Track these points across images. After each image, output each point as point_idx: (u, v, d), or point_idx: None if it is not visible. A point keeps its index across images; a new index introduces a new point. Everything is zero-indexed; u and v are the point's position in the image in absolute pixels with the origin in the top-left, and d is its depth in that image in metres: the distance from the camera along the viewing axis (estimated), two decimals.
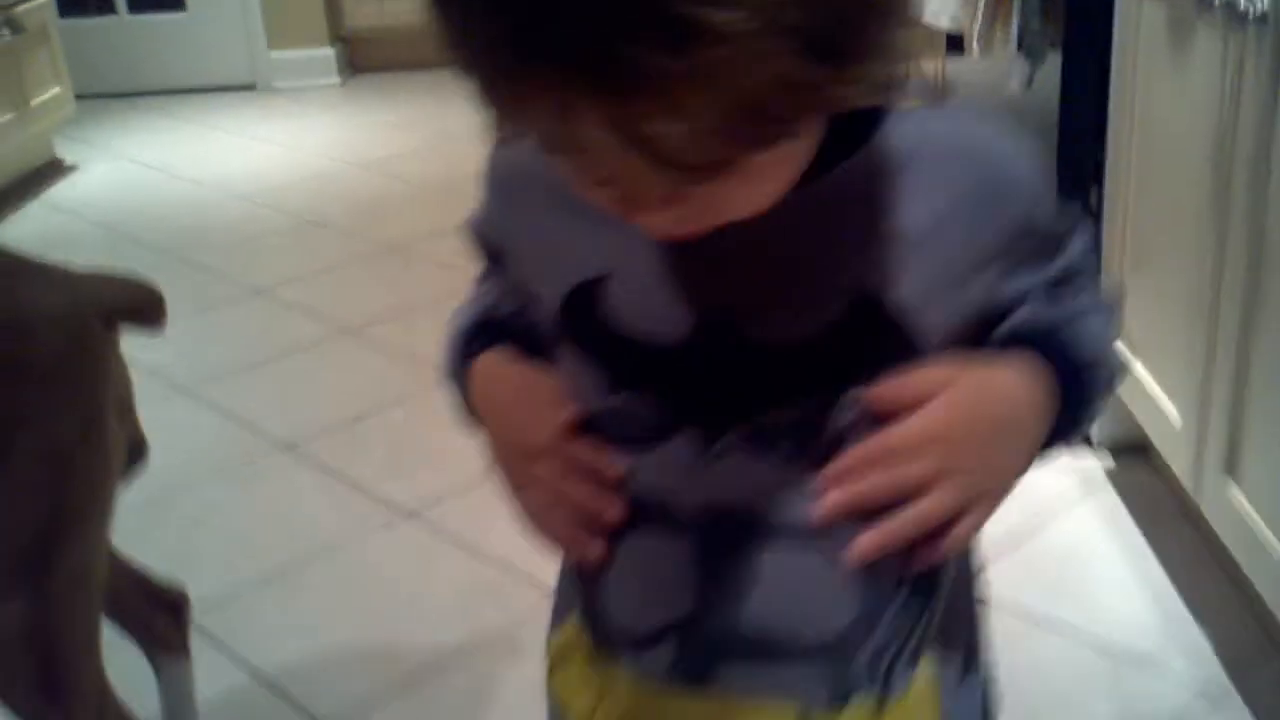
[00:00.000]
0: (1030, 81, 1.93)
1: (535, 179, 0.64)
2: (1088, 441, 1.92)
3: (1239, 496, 1.42)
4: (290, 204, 3.31)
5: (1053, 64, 1.86)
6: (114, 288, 1.22)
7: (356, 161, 3.60)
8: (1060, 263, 0.66)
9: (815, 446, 0.62)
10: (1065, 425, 0.65)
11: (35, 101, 3.45)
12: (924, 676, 0.68)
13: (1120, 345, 1.81)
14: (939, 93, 0.63)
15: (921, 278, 0.61)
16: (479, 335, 0.73)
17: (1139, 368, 1.71)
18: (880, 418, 0.62)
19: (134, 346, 1.20)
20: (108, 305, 1.18)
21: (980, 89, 2.36)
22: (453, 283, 2.95)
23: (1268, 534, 1.35)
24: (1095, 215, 1.81)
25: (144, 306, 1.22)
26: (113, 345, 1.18)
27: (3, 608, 1.07)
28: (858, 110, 0.57)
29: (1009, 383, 0.64)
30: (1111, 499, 1.82)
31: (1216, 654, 1.50)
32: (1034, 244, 0.64)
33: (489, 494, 1.81)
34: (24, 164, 3.49)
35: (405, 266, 2.84)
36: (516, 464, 0.70)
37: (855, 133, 0.60)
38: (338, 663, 1.60)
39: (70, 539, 1.09)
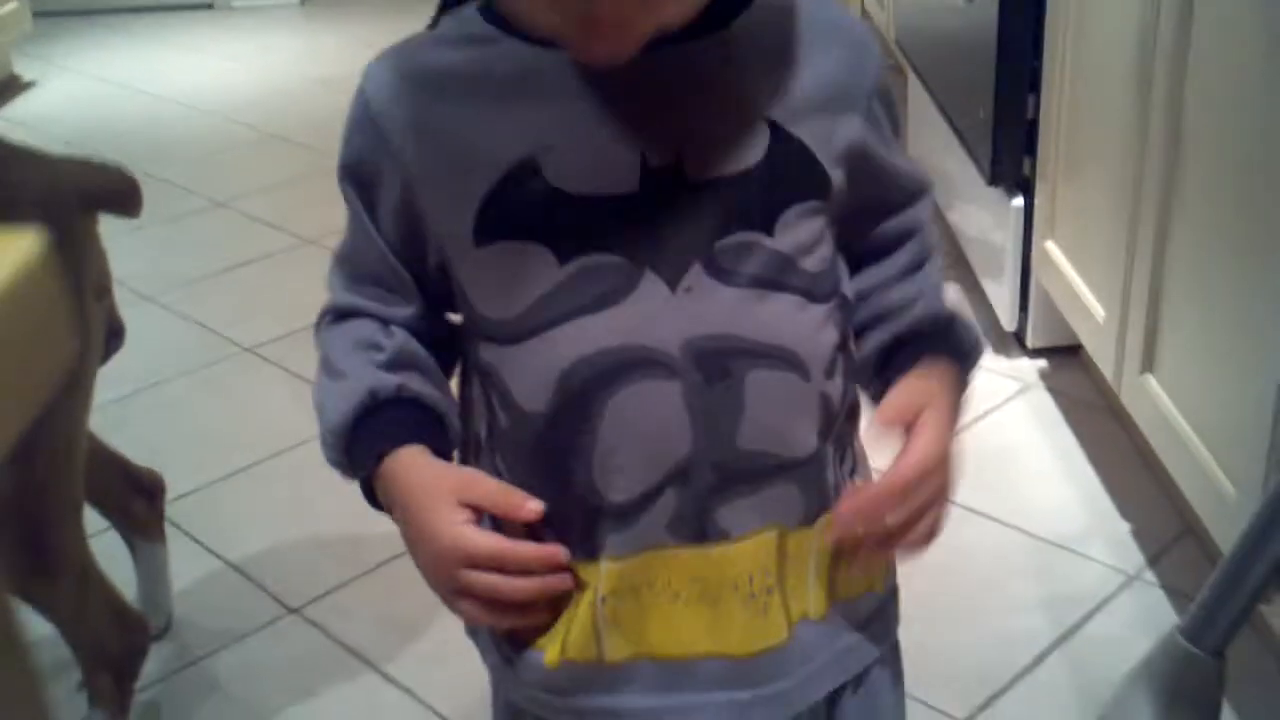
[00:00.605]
0: None
1: (441, 82, 0.69)
2: (1022, 346, 2.01)
3: (1157, 390, 1.51)
4: (251, 120, 3.33)
5: None
6: (93, 173, 1.25)
7: (317, 78, 3.62)
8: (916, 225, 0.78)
9: (768, 267, 0.69)
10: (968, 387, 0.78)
11: None
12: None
13: (1053, 247, 1.87)
14: None
15: (814, 107, 0.70)
16: (377, 421, 0.72)
17: (1070, 270, 1.79)
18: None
19: None
20: (86, 189, 1.21)
21: (928, 9, 2.41)
22: None
23: (1183, 425, 1.44)
24: (1032, 124, 1.88)
25: (121, 192, 1.25)
26: (91, 228, 1.22)
27: None
28: None
29: (952, 395, 0.74)
30: (1043, 398, 1.91)
31: (1135, 540, 1.60)
32: (885, 110, 0.74)
33: None
34: None
35: None
36: (435, 578, 0.71)
37: None
38: (304, 552, 1.67)
39: (52, 417, 1.14)
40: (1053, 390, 1.93)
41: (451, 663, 1.42)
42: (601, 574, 0.71)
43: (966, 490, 1.71)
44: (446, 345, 0.76)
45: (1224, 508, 1.32)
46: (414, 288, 0.75)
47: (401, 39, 0.73)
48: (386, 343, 0.74)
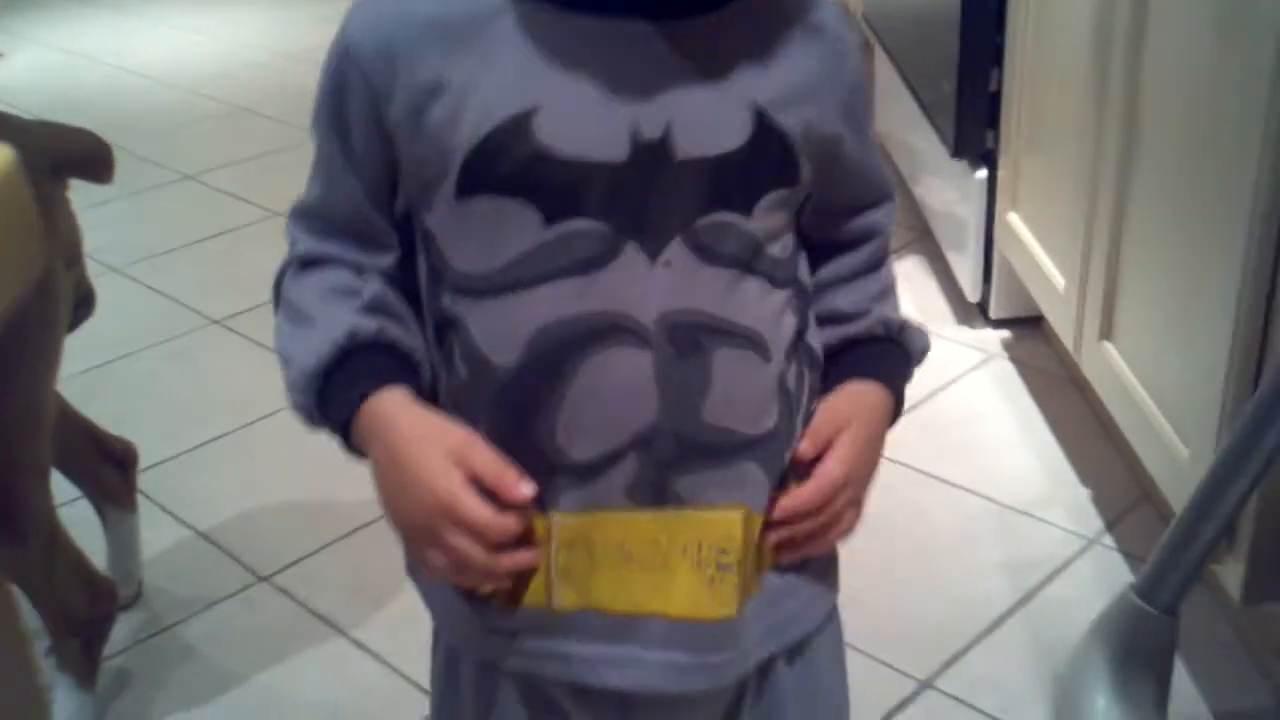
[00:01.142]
0: None
1: (442, 28, 0.68)
2: (985, 317, 2.03)
3: (1115, 357, 1.54)
4: (219, 93, 3.31)
5: None
6: (63, 137, 1.24)
7: (285, 52, 3.60)
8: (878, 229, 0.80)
9: (743, 249, 0.71)
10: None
11: None
12: None
13: (1016, 219, 1.89)
14: None
15: (795, 99, 0.71)
16: (354, 364, 0.71)
17: (1031, 241, 1.81)
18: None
19: None
20: (58, 153, 1.20)
21: None
22: None
23: (1140, 392, 1.46)
24: (995, 97, 1.90)
25: (92, 157, 1.25)
26: (61, 194, 1.22)
27: None
28: None
29: (878, 405, 0.78)
30: (1006, 367, 1.94)
31: (1095, 507, 1.63)
32: (862, 111, 0.77)
33: None
34: None
35: None
36: (411, 527, 0.71)
37: None
38: (274, 520, 1.68)
39: (19, 378, 1.14)
40: (1015, 360, 1.96)
41: (420, 629, 1.42)
42: (554, 526, 0.72)
43: (930, 457, 1.75)
44: (415, 296, 0.76)
45: (1179, 471, 1.35)
46: (388, 236, 0.75)
47: None
48: (363, 288, 0.73)
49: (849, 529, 0.78)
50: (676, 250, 0.69)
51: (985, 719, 1.32)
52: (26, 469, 1.15)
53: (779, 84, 0.70)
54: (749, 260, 0.71)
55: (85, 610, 1.29)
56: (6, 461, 1.14)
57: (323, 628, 1.49)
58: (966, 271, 2.01)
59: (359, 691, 1.39)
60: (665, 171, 0.68)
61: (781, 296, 0.74)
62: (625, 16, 0.67)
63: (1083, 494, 1.65)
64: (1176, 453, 1.36)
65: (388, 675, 1.41)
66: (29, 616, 1.26)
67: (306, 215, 0.76)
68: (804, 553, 0.77)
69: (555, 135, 0.67)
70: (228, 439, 1.86)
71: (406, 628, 1.46)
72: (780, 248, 0.73)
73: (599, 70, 0.67)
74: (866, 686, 1.34)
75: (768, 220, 0.72)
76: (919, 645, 1.41)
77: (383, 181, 0.73)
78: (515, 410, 0.71)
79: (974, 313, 2.05)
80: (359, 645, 1.46)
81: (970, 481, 1.68)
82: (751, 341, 0.71)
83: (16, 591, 1.22)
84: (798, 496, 0.75)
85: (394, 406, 0.71)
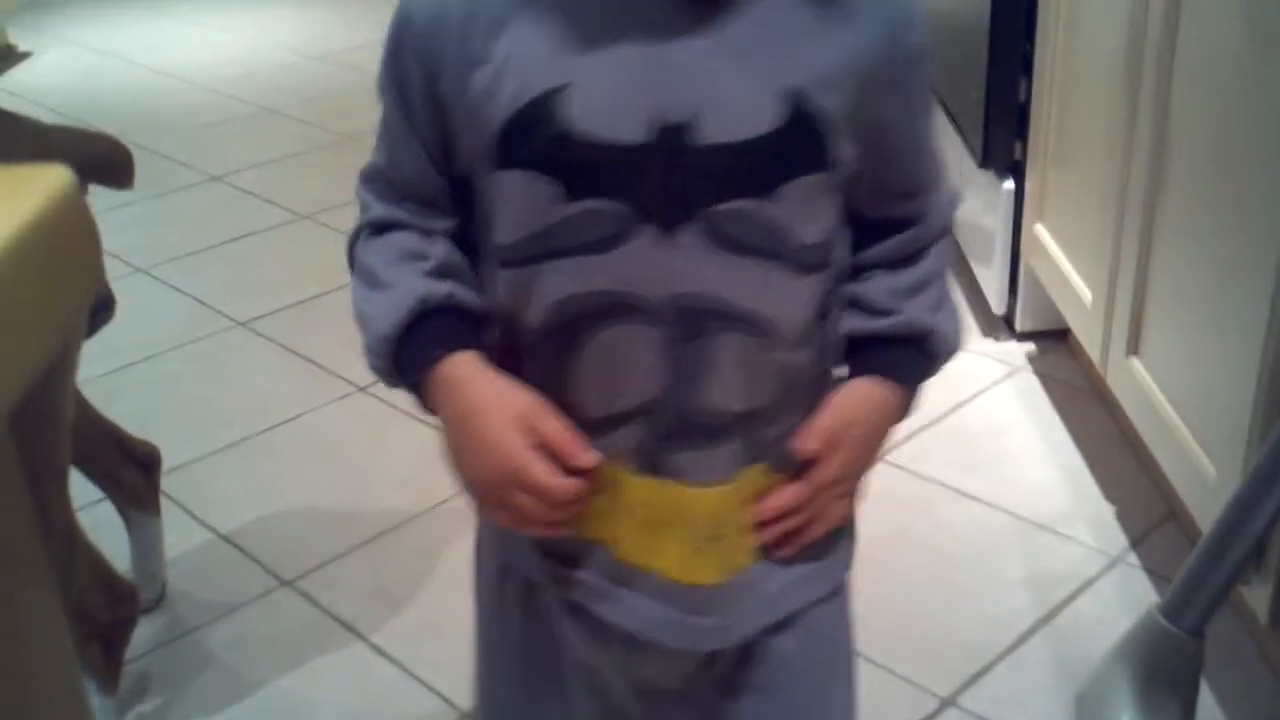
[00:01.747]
0: None
1: (488, 3, 0.70)
2: (1011, 330, 2.02)
3: (1142, 373, 1.53)
4: (247, 94, 3.33)
5: None
6: (83, 142, 1.25)
7: (313, 54, 3.61)
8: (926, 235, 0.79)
9: (759, 236, 0.71)
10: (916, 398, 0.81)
11: None
12: None
13: (1043, 231, 1.88)
14: None
15: (844, 78, 0.70)
16: (428, 327, 0.74)
17: (1058, 254, 1.80)
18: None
19: None
20: (75, 158, 1.21)
21: None
22: None
23: (1167, 408, 1.45)
24: (1024, 107, 1.89)
25: (113, 162, 1.25)
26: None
27: None
28: None
29: (887, 405, 0.78)
30: (1030, 381, 1.93)
31: (1120, 523, 1.61)
32: (919, 91, 0.75)
33: None
34: None
35: (360, 156, 2.85)
36: (479, 482, 0.76)
37: None
38: (297, 524, 1.69)
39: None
40: (1040, 373, 1.94)
41: (443, 636, 1.44)
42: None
43: (953, 470, 1.74)
44: (477, 255, 0.78)
45: (1206, 490, 1.34)
46: (450, 199, 0.77)
47: None
48: (431, 251, 0.76)
49: (836, 522, 0.80)
50: (693, 235, 0.69)
51: None
52: (45, 473, 1.15)
53: (821, 64, 0.70)
54: (772, 247, 0.71)
55: (105, 613, 1.30)
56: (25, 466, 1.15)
57: (344, 633, 1.49)
58: (992, 283, 2.00)
59: (379, 698, 1.40)
60: (686, 156, 0.68)
61: (807, 283, 0.74)
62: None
63: (1107, 510, 1.64)
64: (1203, 471, 1.35)
65: (408, 681, 1.41)
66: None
67: (375, 179, 0.79)
68: (791, 546, 0.78)
69: (582, 114, 0.68)
70: (251, 442, 1.86)
71: (427, 634, 1.46)
72: (814, 232, 0.73)
73: (631, 50, 0.68)
74: (887, 702, 1.34)
75: (797, 205, 0.71)
76: (940, 661, 1.40)
77: (441, 147, 0.75)
78: (539, 368, 0.74)
79: (999, 325, 2.04)
80: (379, 651, 1.46)
81: (994, 496, 1.67)
82: (760, 328, 0.73)
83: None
84: (781, 496, 0.76)
85: (464, 371, 0.74)
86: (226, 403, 1.97)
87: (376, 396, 1.92)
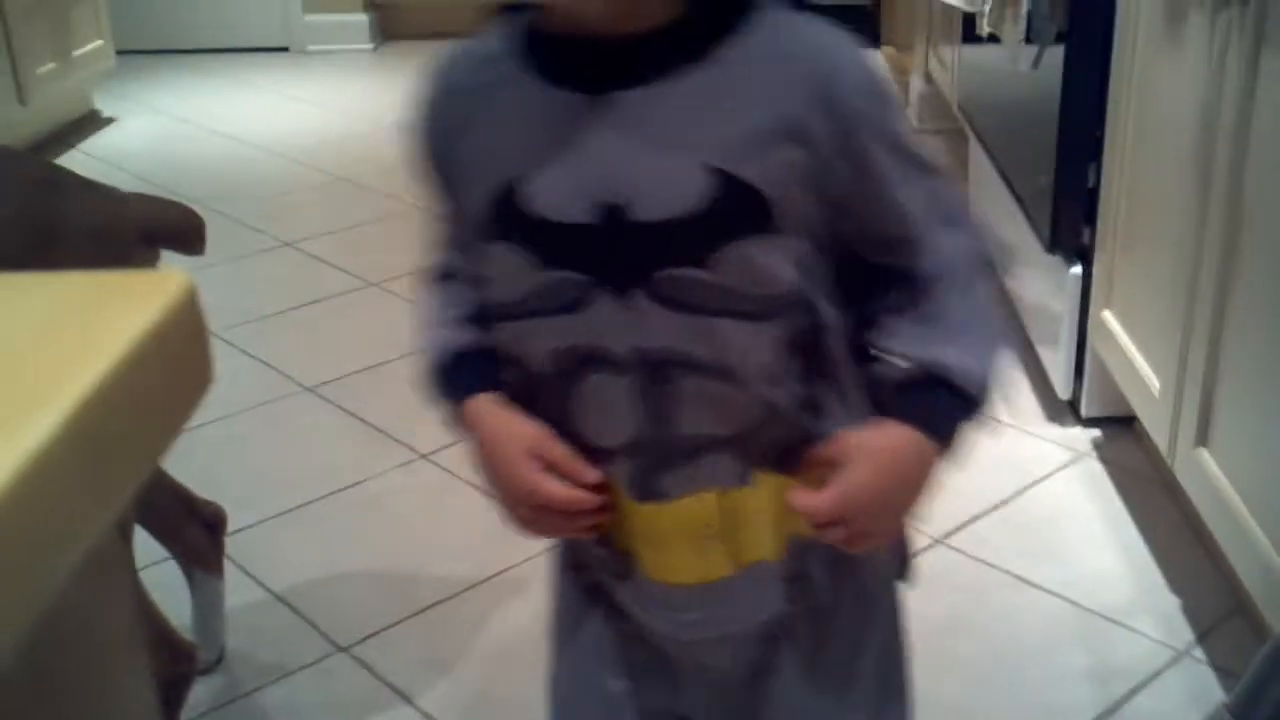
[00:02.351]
0: (1038, 64, 1.99)
1: (466, 99, 0.81)
2: (1077, 415, 2.00)
3: (1211, 464, 1.50)
4: (321, 162, 3.40)
5: (1061, 45, 1.93)
6: (156, 208, 1.28)
7: (387, 123, 3.69)
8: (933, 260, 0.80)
9: (703, 296, 0.77)
10: (954, 441, 0.82)
11: (77, 53, 3.54)
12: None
13: (1110, 317, 1.86)
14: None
15: (765, 142, 0.75)
16: (461, 367, 0.87)
17: (1126, 341, 1.79)
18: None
19: None
20: (148, 224, 1.24)
21: (993, 75, 2.43)
22: None
23: (1236, 501, 1.43)
24: (1093, 193, 1.89)
25: (184, 229, 1.29)
26: (150, 263, 1.25)
27: None
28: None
29: (901, 448, 0.80)
30: (1095, 467, 1.90)
31: (1186, 617, 1.58)
32: (864, 133, 0.76)
33: None
34: (64, 114, 3.58)
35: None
36: (505, 502, 0.86)
37: (720, 21, 0.76)
38: (355, 590, 1.70)
39: None
40: (1105, 460, 1.92)
41: (495, 706, 1.43)
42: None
43: (1016, 558, 1.72)
44: None
45: (1275, 584, 1.31)
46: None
47: (462, 43, 0.84)
48: (468, 300, 0.86)
49: (862, 549, 0.83)
50: (640, 298, 0.77)
51: None
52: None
53: (735, 137, 0.75)
54: (713, 304, 0.77)
55: (165, 672, 1.31)
56: None
57: (398, 701, 1.49)
58: (1058, 368, 1.99)
59: None
60: (625, 232, 0.76)
61: (765, 329, 0.79)
62: (590, 88, 0.76)
63: (1173, 603, 1.61)
64: (1272, 565, 1.32)
65: None
66: None
67: (437, 229, 0.88)
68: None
69: (539, 200, 0.77)
70: (313, 506, 1.88)
71: (480, 705, 1.46)
72: (766, 284, 0.78)
73: (568, 141, 0.77)
74: None
75: (737, 265, 0.76)
76: None
77: (458, 220, 0.85)
78: (543, 405, 0.84)
79: (1065, 410, 2.02)
80: None
81: (1057, 584, 1.64)
82: (721, 373, 0.79)
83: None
84: (811, 499, 0.80)
85: (482, 409, 0.85)
86: (291, 466, 1.99)
87: (438, 464, 1.94)
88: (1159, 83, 1.68)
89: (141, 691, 0.48)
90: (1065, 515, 1.79)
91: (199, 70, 4.29)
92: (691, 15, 0.76)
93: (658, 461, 0.82)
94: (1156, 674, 1.49)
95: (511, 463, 0.83)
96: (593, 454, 0.83)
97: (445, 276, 0.88)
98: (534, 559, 1.68)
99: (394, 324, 2.46)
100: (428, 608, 1.64)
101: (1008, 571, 1.66)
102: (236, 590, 1.64)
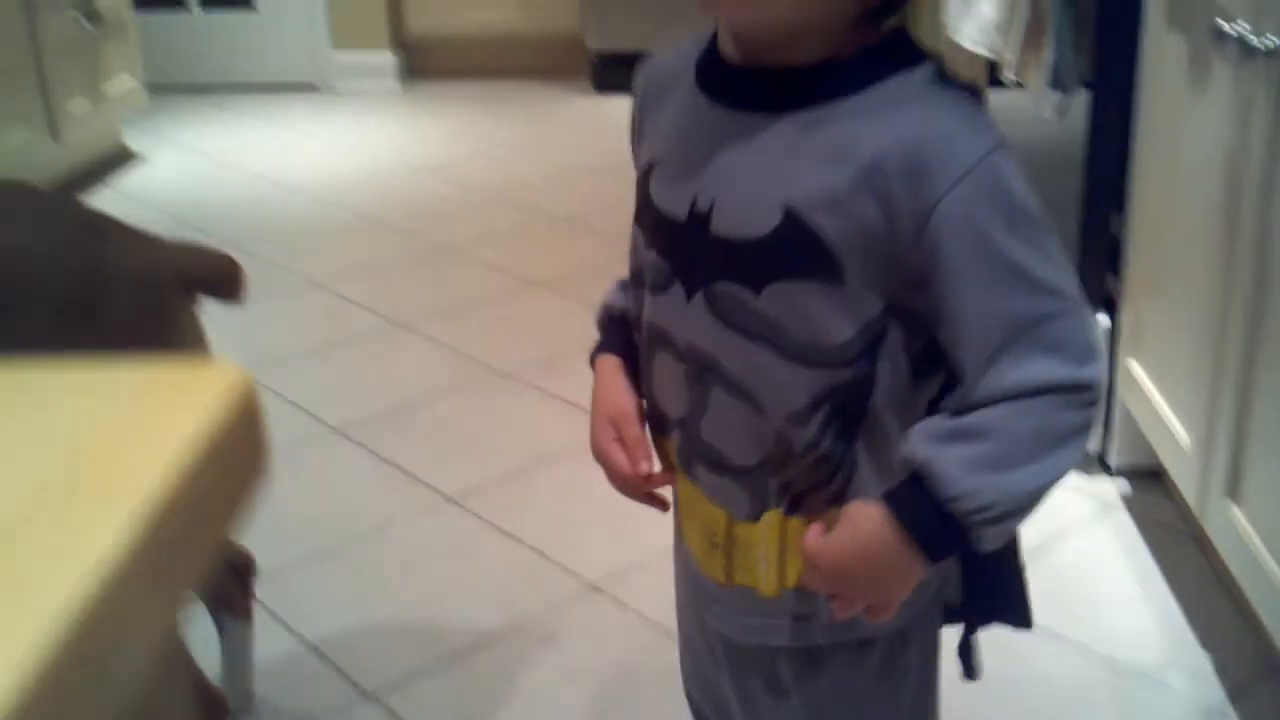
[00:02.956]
0: (1063, 111, 2.00)
1: (660, 85, 0.92)
2: (1105, 466, 1.99)
3: (1241, 519, 1.50)
4: (349, 202, 3.42)
5: (1085, 92, 1.94)
6: (196, 256, 1.29)
7: (414, 165, 3.71)
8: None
9: (749, 320, 0.84)
10: (955, 547, 0.84)
11: (109, 91, 3.58)
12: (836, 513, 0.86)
13: (1137, 367, 1.84)
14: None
15: (829, 209, 0.79)
16: (609, 324, 1.00)
17: (1154, 391, 1.78)
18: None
19: None
20: (187, 271, 1.26)
21: (1016, 123, 2.43)
22: (500, 285, 3.05)
23: (1268, 557, 1.42)
24: (1117, 241, 1.89)
25: (223, 277, 1.30)
26: (188, 310, 1.26)
27: None
28: (876, 54, 0.81)
29: (873, 529, 0.82)
30: (1125, 521, 1.89)
31: (1218, 674, 1.57)
32: (966, 245, 0.77)
33: (530, 486, 1.92)
34: (95, 151, 3.62)
35: (455, 267, 2.95)
36: (595, 455, 0.98)
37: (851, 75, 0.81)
38: (381, 637, 1.70)
39: None
40: (1134, 513, 1.91)
41: None
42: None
43: (1043, 611, 1.69)
44: None
45: None
46: None
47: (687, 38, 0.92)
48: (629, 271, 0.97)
49: (843, 611, 0.86)
50: (699, 300, 0.85)
51: None
52: None
53: (817, 188, 0.79)
54: (757, 330, 0.83)
55: (193, 718, 1.31)
56: None
57: None
58: None
59: None
60: (704, 239, 0.84)
61: (800, 374, 0.83)
62: (727, 104, 0.84)
63: (1204, 659, 1.60)
64: None
65: None
66: None
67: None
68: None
69: (656, 188, 0.88)
70: (341, 550, 1.89)
71: None
72: (809, 330, 0.81)
73: (692, 143, 0.86)
74: None
75: (786, 302, 0.82)
76: None
77: None
78: (644, 370, 0.95)
79: (1092, 461, 2.01)
80: None
81: (1086, 640, 1.63)
82: (746, 397, 0.85)
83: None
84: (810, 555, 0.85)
85: (600, 368, 0.98)
86: (318, 509, 2.00)
87: (467, 509, 1.94)
88: (1185, 132, 1.69)
89: None
90: (1094, 569, 1.78)
91: (227, 106, 4.33)
92: (839, 60, 0.81)
93: (697, 449, 0.91)
94: None
95: (597, 425, 0.96)
96: (662, 418, 0.94)
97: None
98: (562, 609, 1.68)
99: (421, 365, 2.48)
100: (456, 656, 1.64)
101: (1036, 629, 1.64)
102: (262, 635, 1.64)
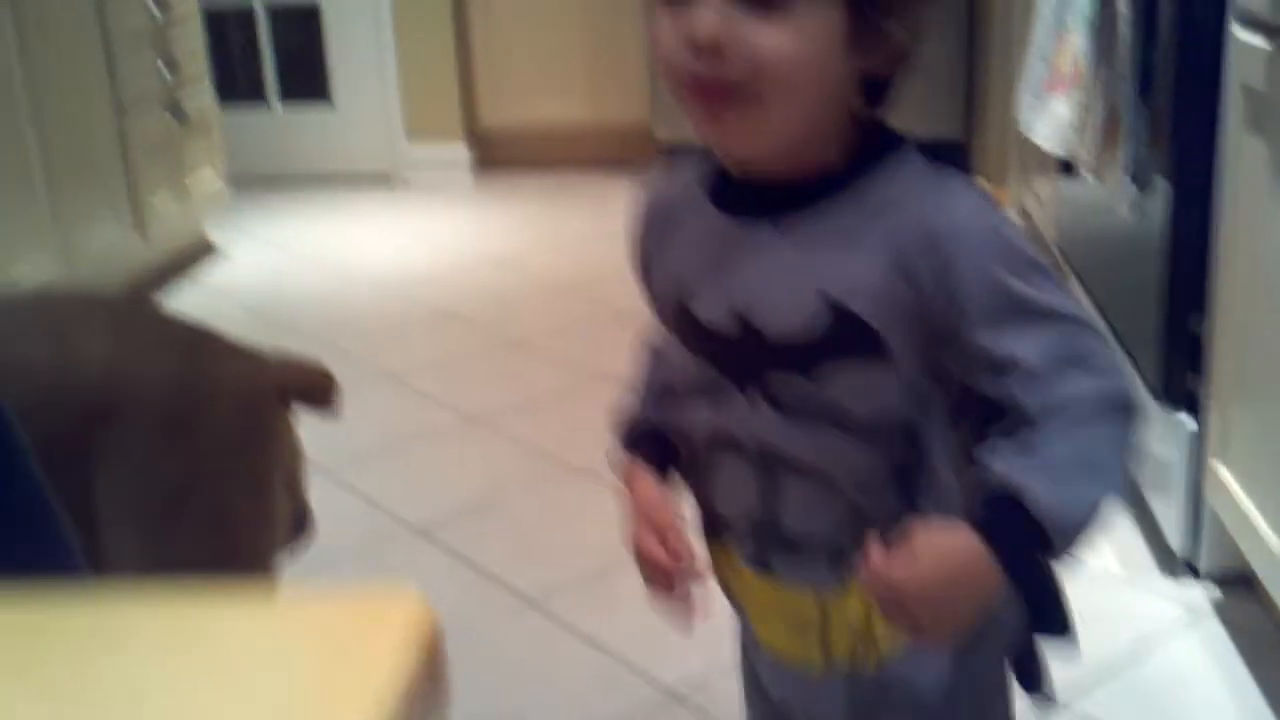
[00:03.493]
0: (1140, 207, 1.99)
1: (665, 216, 0.97)
2: (1194, 572, 1.95)
3: None
4: (423, 295, 3.47)
5: (1163, 190, 1.93)
6: (291, 368, 1.34)
7: (486, 256, 3.77)
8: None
9: (807, 402, 0.89)
10: (1029, 575, 0.86)
11: (193, 186, 3.67)
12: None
13: (1224, 471, 1.82)
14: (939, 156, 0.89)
15: (876, 287, 0.85)
16: (630, 432, 1.03)
17: (1242, 496, 1.75)
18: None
19: None
20: (284, 383, 1.30)
21: (1091, 212, 2.42)
22: (573, 380, 3.05)
23: None
24: (1197, 340, 1.87)
25: (318, 389, 1.34)
26: (284, 420, 1.30)
27: None
28: (864, 146, 0.88)
29: (961, 554, 0.83)
30: (1216, 629, 1.85)
31: None
32: (982, 287, 0.84)
33: (611, 587, 1.91)
34: (179, 245, 3.70)
35: (529, 360, 2.98)
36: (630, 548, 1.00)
37: (855, 167, 0.88)
38: None
39: None
40: (1226, 620, 1.86)
41: None
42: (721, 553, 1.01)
43: None
44: None
45: None
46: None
47: (675, 161, 0.98)
48: (663, 375, 1.01)
49: (916, 640, 0.87)
50: (755, 397, 0.90)
51: None
52: None
53: (849, 275, 0.85)
54: (816, 411, 0.89)
55: None
56: None
57: None
58: (1172, 521, 1.95)
59: None
60: (750, 339, 0.89)
61: (866, 449, 0.89)
62: (747, 217, 0.90)
63: None
64: None
65: None
66: None
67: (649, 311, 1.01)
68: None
69: (698, 309, 0.92)
70: None
71: None
72: (865, 404, 0.88)
73: (717, 256, 0.91)
74: None
75: (838, 381, 0.87)
76: None
77: None
78: (691, 472, 1.00)
79: (1180, 566, 1.97)
80: None
81: None
82: (818, 476, 0.90)
83: None
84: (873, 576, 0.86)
85: (633, 473, 1.01)
86: None
87: (547, 612, 1.94)
88: (1269, 232, 1.67)
89: None
90: (1184, 679, 1.74)
91: (304, 199, 4.42)
92: (839, 166, 0.88)
93: (771, 540, 0.94)
94: None
95: (632, 520, 0.98)
96: (717, 519, 0.98)
97: (655, 349, 1.03)
98: (644, 710, 1.67)
99: (496, 462, 2.49)
100: None
101: None
102: None
